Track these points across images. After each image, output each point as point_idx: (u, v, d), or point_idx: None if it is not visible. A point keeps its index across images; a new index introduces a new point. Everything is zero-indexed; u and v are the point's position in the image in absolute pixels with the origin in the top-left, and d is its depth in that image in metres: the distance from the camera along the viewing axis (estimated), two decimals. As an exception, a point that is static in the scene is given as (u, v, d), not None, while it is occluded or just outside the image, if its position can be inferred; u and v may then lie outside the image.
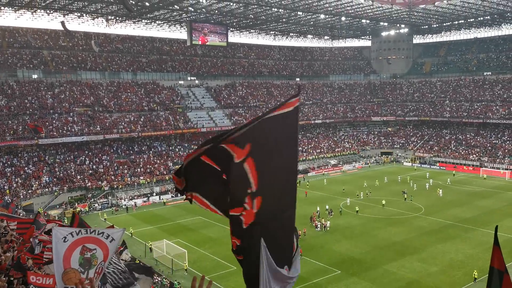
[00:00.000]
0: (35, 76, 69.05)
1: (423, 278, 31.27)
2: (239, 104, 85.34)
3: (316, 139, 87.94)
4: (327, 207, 48.96)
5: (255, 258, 3.48)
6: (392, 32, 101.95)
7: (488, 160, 73.07)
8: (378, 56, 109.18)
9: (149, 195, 58.97)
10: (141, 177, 62.05)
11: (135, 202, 55.72)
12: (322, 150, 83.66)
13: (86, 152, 64.04)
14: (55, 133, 60.84)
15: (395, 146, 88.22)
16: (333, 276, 31.85)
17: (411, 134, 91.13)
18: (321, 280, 31.22)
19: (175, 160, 68.50)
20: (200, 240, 40.86)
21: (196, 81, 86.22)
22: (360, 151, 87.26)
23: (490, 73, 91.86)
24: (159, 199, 58.23)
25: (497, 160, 72.48)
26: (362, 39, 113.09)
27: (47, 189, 54.87)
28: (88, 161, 62.49)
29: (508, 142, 77.22)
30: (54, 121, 62.84)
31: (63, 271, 6.02)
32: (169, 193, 60.22)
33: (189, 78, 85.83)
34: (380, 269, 32.93)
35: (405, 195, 54.54)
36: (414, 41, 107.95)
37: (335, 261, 34.36)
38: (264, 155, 3.37)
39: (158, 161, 67.53)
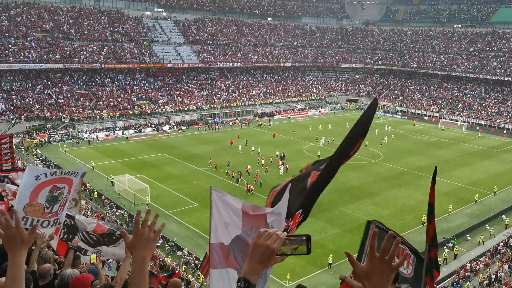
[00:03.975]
0: (-13, -5, 63.70)
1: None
2: (208, 41, 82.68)
3: (285, 82, 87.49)
4: (277, 152, 48.73)
5: None
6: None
7: (448, 112, 75.51)
8: (353, 0, 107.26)
9: (111, 129, 57.77)
10: (104, 111, 60.33)
11: (96, 136, 54.52)
12: (289, 94, 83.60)
13: (45, 81, 61.13)
14: (11, 59, 57.39)
15: (361, 93, 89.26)
16: (292, 216, 32.98)
17: (378, 82, 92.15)
18: (279, 219, 32.29)
19: (139, 95, 66.73)
20: (163, 177, 40.95)
21: (164, 13, 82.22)
22: (327, 96, 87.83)
23: (460, 25, 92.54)
24: (122, 134, 57.21)
25: (456, 112, 75.00)
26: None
27: (3, 117, 52.62)
28: (47, 91, 59.84)
29: (468, 95, 79.66)
30: (10, 46, 59.04)
31: (27, 202, 6.04)
32: (133, 128, 59.24)
33: (156, 9, 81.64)
34: (336, 211, 34.39)
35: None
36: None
37: (294, 201, 35.49)
38: None
39: (121, 95, 65.53)
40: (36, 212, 6.26)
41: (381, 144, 55.73)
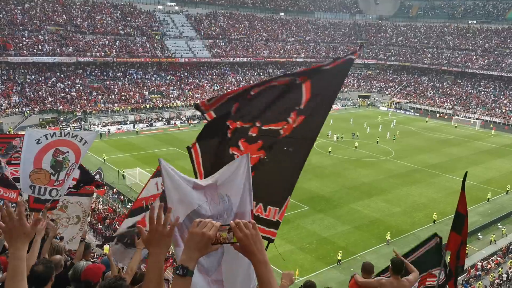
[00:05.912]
0: (2, -12, 64.32)
1: (386, 218, 32.79)
2: (220, 36, 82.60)
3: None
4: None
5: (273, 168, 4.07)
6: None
7: (461, 110, 74.54)
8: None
9: (123, 123, 58.16)
10: (116, 104, 60.74)
11: (108, 129, 54.96)
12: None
13: (58, 74, 61.69)
14: (25, 52, 57.98)
15: (373, 90, 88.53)
16: (301, 212, 32.98)
17: (390, 78, 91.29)
18: (289, 215, 32.25)
19: (151, 89, 67.03)
20: (174, 170, 41.08)
21: (176, 7, 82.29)
22: (338, 92, 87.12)
23: (475, 21, 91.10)
24: (133, 127, 57.57)
25: (470, 109, 74.01)
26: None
27: (17, 109, 53.27)
28: (60, 84, 60.41)
29: (483, 92, 78.53)
30: (24, 39, 59.65)
31: (32, 169, 5.96)
32: (144, 122, 59.56)
33: (168, 3, 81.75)
34: (346, 207, 34.24)
35: (354, 136, 56.11)
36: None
37: (304, 197, 35.20)
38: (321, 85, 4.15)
39: (133, 89, 65.89)
40: (42, 179, 6.20)
41: (394, 139, 55.57)
